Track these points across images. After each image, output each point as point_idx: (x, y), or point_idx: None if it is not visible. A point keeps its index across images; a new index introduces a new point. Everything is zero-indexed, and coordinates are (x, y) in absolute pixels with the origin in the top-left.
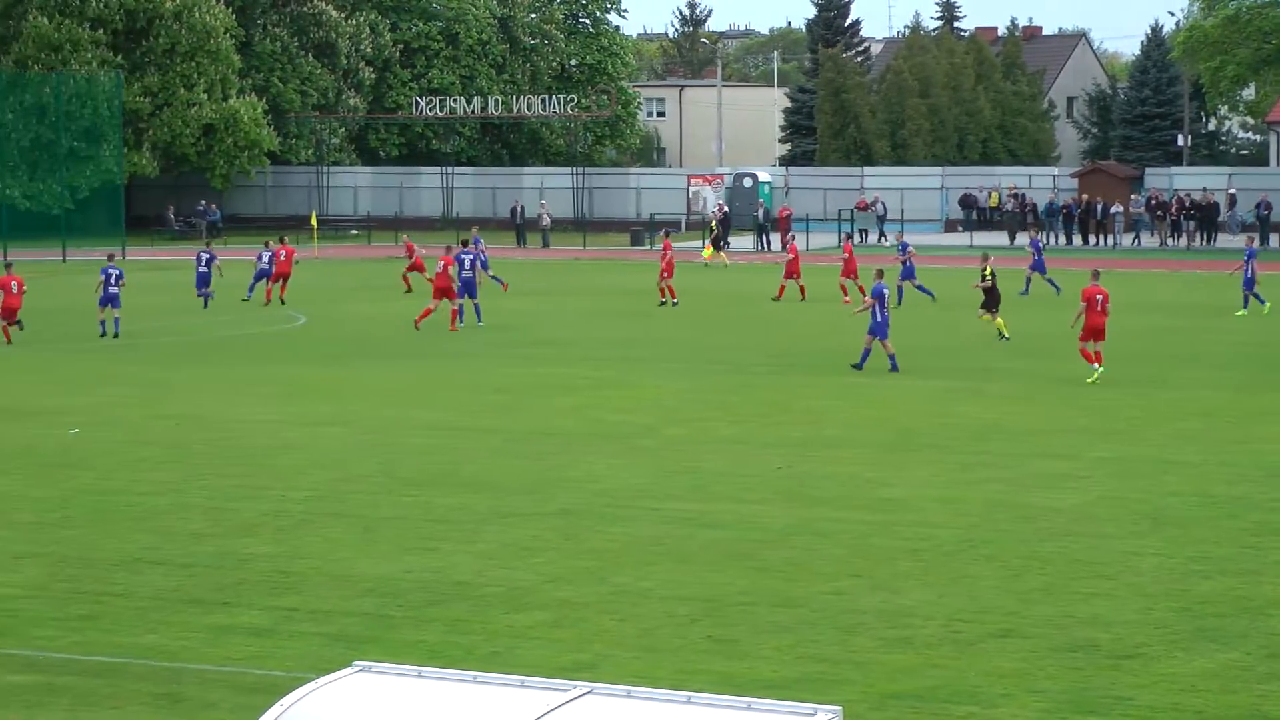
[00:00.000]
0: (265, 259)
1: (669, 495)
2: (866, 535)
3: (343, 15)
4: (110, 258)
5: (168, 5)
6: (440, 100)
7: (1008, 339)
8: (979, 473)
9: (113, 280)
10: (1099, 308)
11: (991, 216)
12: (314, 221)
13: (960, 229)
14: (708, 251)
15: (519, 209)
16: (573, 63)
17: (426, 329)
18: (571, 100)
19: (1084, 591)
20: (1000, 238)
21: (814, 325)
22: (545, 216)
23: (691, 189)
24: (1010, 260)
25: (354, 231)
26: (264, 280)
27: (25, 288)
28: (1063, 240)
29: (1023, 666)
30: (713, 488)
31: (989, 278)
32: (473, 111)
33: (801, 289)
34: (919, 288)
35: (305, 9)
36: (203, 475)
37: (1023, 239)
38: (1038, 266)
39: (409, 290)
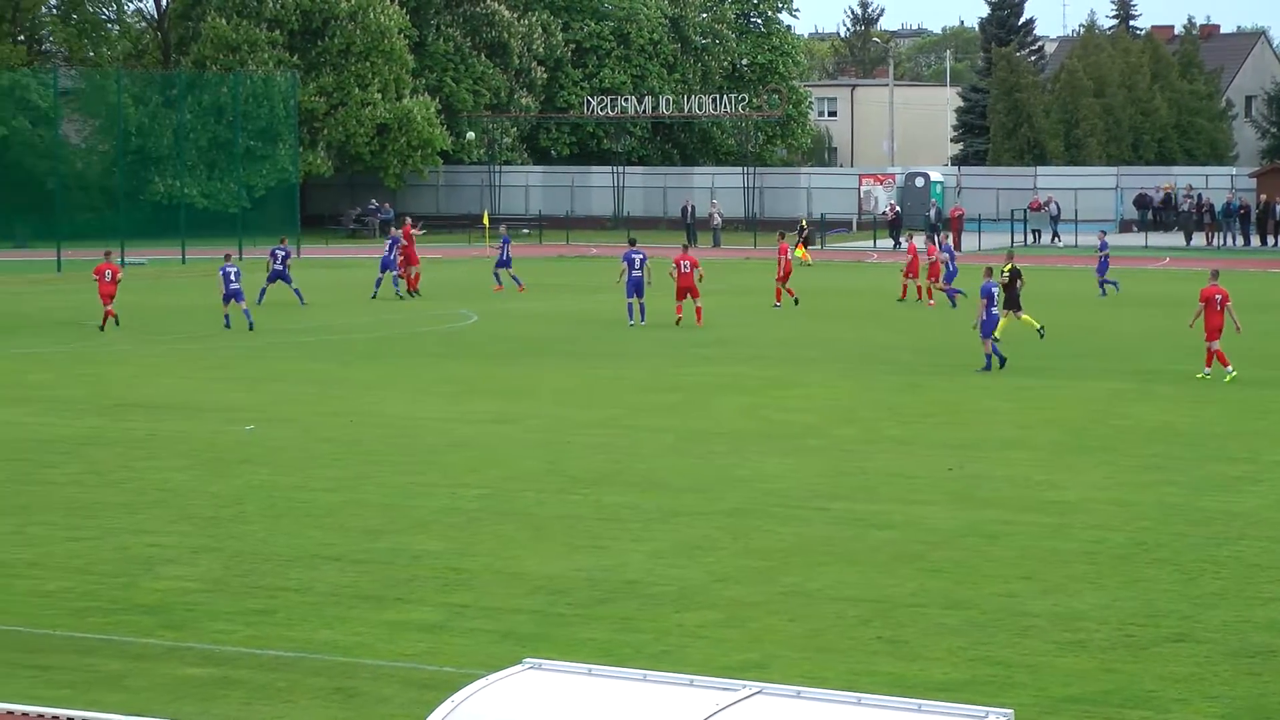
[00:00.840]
0: (390, 247)
1: (838, 496)
2: (1038, 538)
3: (515, 15)
4: (227, 257)
5: (343, 6)
6: (611, 100)
7: (1042, 333)
8: (1152, 475)
9: (233, 277)
10: (1218, 307)
11: (1167, 218)
12: (485, 221)
13: (1135, 229)
14: (800, 251)
15: (690, 208)
16: (744, 62)
17: (595, 328)
18: (743, 100)
19: (1261, 596)
20: (1176, 238)
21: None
22: (716, 216)
23: (863, 189)
24: (1188, 261)
25: (525, 230)
26: (389, 271)
27: (120, 276)
28: (1240, 241)
29: (1197, 672)
30: (882, 489)
31: (1006, 274)
32: (644, 111)
33: (918, 289)
34: (1104, 283)
35: (478, 9)
36: (376, 472)
37: (1199, 239)
38: (1101, 267)
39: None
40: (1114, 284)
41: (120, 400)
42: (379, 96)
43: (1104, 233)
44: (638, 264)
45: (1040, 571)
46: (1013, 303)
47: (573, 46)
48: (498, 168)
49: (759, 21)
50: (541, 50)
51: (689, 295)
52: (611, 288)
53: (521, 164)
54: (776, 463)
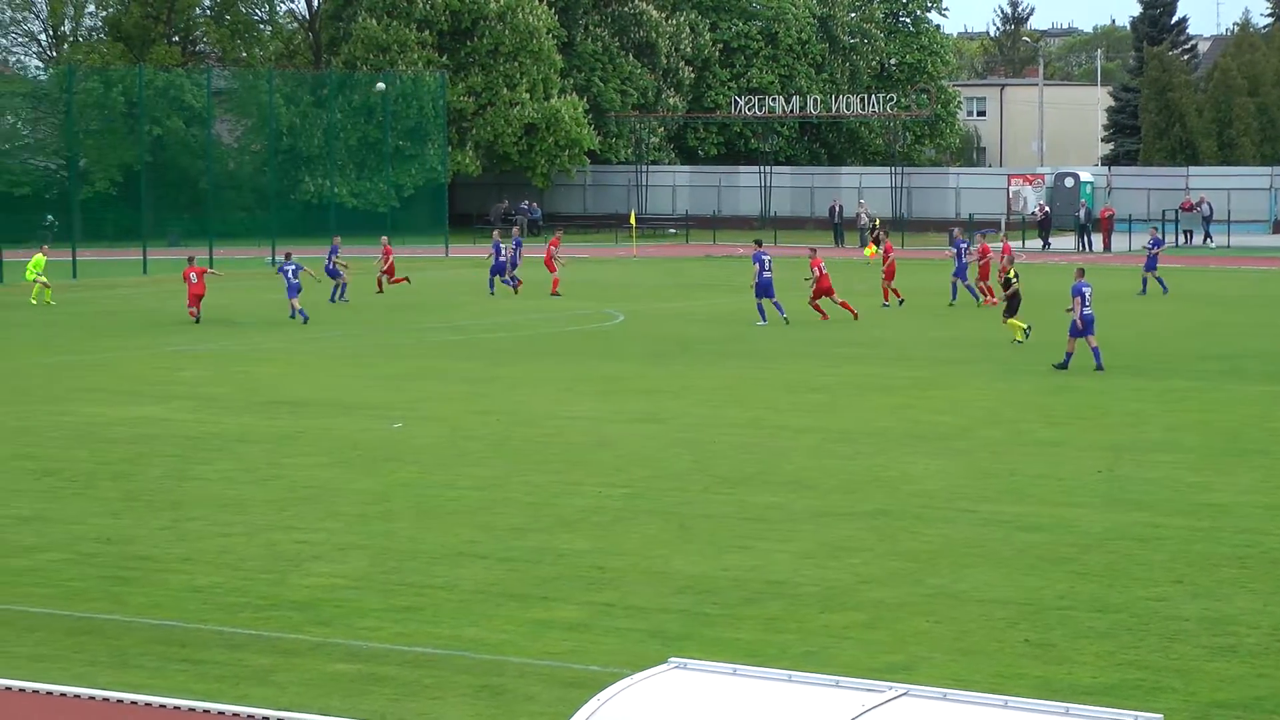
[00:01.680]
0: (503, 250)
1: (985, 497)
2: (1189, 541)
3: (663, 15)
4: (288, 256)
5: (492, 6)
6: (759, 99)
7: (1021, 343)
8: None
9: (291, 274)
10: None
11: None
12: (633, 220)
13: None
14: (870, 250)
15: (837, 208)
16: (892, 62)
17: (741, 327)
18: (891, 99)
19: None
20: None
21: (1124, 328)
22: (864, 216)
23: (1012, 189)
24: None
25: (672, 230)
26: (500, 275)
27: (212, 273)
28: None
29: None
30: (1030, 490)
31: (1013, 281)
32: (791, 111)
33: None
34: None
35: (626, 9)
36: (522, 470)
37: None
38: (1150, 265)
39: (380, 291)
40: (1160, 282)
41: (269, 398)
42: (527, 96)
43: (1156, 228)
44: (767, 265)
45: (1191, 575)
46: (1013, 308)
47: (720, 46)
48: (645, 167)
49: (908, 21)
50: (689, 50)
51: (829, 295)
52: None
53: (669, 164)
54: (923, 464)
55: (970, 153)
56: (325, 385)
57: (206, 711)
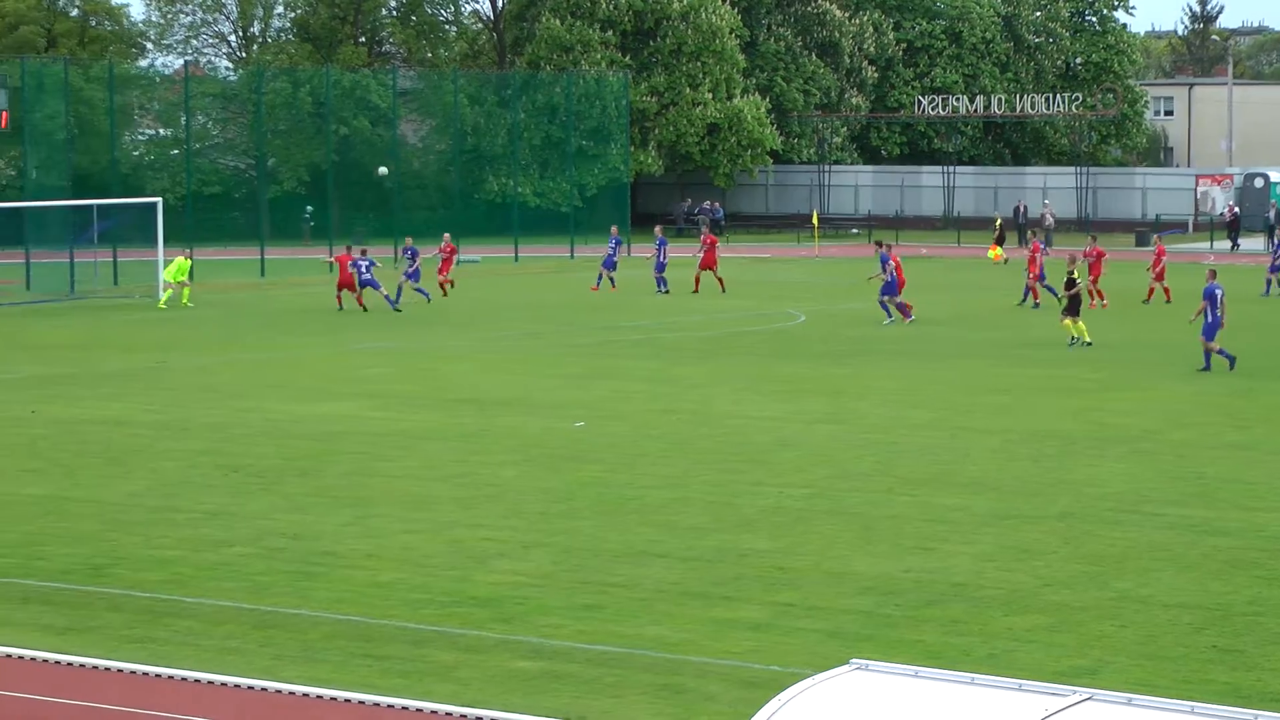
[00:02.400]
0: (663, 251)
1: (1172, 501)
2: None
3: (846, 15)
4: (363, 252)
5: (675, 6)
6: (943, 99)
7: (1089, 344)
8: None
9: (364, 270)
10: None
11: None
12: (815, 220)
13: None
14: (994, 251)
15: (1022, 208)
16: (1078, 60)
17: (924, 328)
18: (1076, 99)
19: None
20: None
21: None
22: (1049, 217)
23: (1199, 189)
24: None
25: (854, 230)
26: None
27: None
28: None
29: None
30: (1218, 494)
31: (1076, 281)
32: (975, 110)
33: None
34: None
35: (809, 9)
36: (704, 470)
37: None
38: (1277, 268)
39: (444, 295)
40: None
41: (455, 396)
42: (710, 96)
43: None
44: (889, 265)
45: None
46: (1074, 308)
47: (904, 46)
48: (827, 167)
49: (1094, 20)
50: (873, 49)
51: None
52: (940, 288)
53: (851, 164)
54: (1109, 467)
55: (1157, 153)
56: (510, 384)
57: (390, 707)
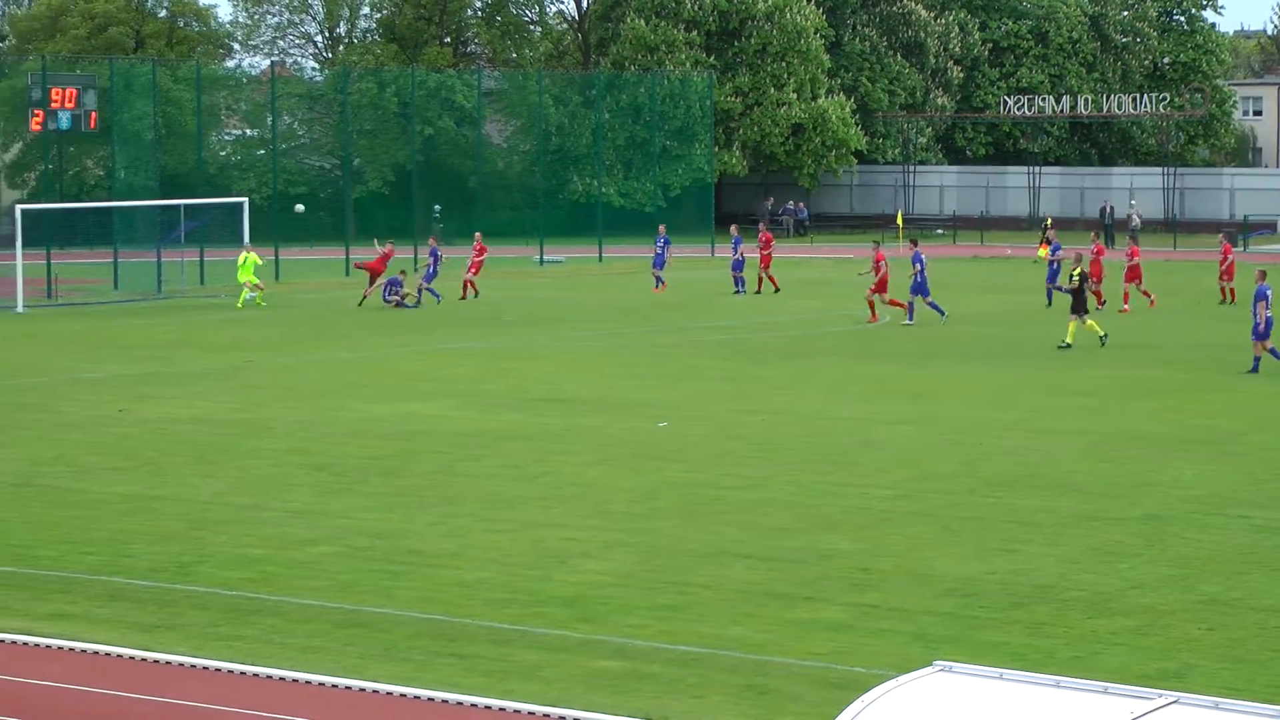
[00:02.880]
0: (740, 250)
1: (1259, 504)
2: None
3: (932, 15)
4: (432, 242)
5: (760, 6)
6: (1029, 99)
7: (1068, 346)
8: None
9: (433, 265)
10: None
11: None
12: (899, 221)
13: None
14: (1042, 251)
15: (1108, 209)
16: (1166, 60)
17: (1009, 328)
18: (1164, 99)
19: None
20: None
21: None
22: (1135, 217)
23: None
24: None
25: (939, 231)
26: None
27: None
28: None
29: None
30: None
31: (1075, 279)
32: (1061, 111)
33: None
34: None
35: (895, 9)
36: (787, 471)
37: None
38: None
39: (477, 295)
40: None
41: (538, 395)
42: (794, 96)
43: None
44: (923, 265)
45: None
46: (1079, 307)
47: (990, 46)
48: (912, 168)
49: (1182, 19)
50: (958, 49)
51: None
52: (1024, 289)
53: (936, 164)
54: (1195, 469)
55: (1245, 153)
56: (593, 384)
57: (474, 706)
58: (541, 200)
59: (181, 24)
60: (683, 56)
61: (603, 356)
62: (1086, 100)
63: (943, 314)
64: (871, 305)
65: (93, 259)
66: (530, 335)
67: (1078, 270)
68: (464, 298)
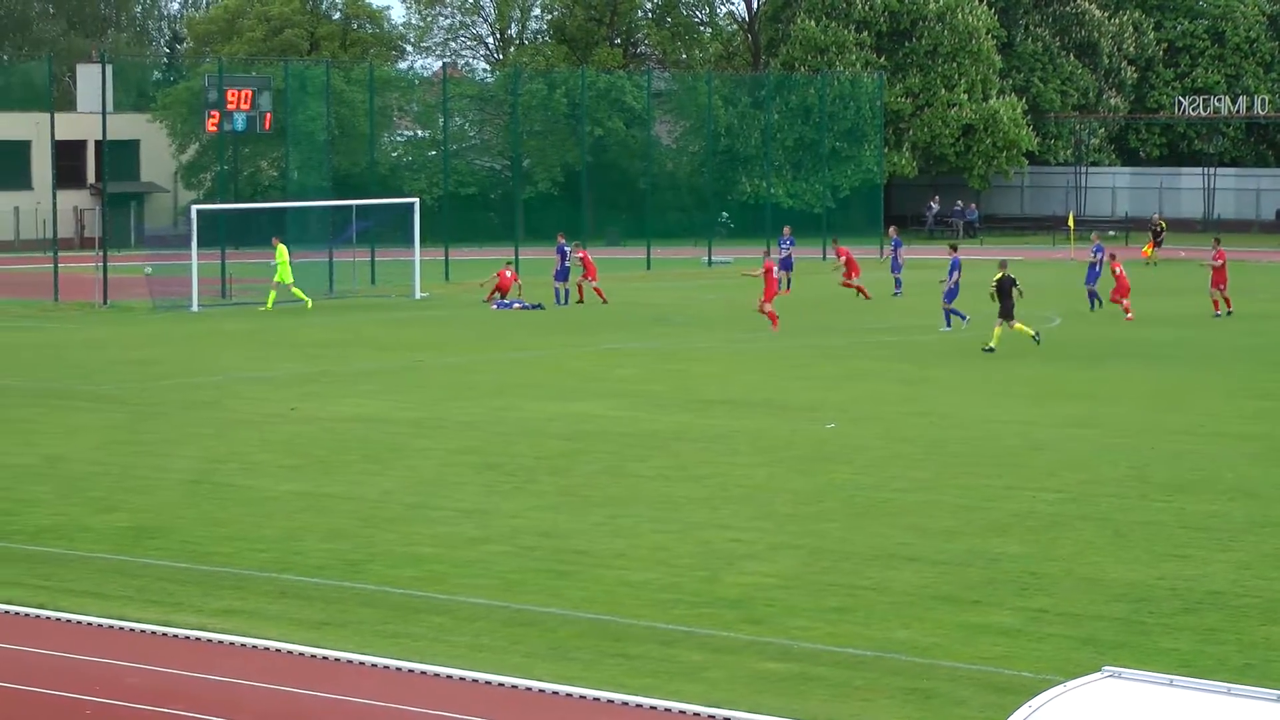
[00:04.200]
0: (898, 253)
1: None
2: None
3: (1106, 15)
4: (562, 237)
5: (931, 7)
6: (1204, 99)
7: (992, 349)
8: None
9: (565, 258)
10: None
11: None
12: (1071, 223)
13: None
14: (1148, 250)
15: None
16: None
17: (1180, 330)
18: None
19: None
20: None
21: None
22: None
23: None
24: None
25: (1111, 233)
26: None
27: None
28: None
29: None
30: None
31: (994, 284)
32: (1238, 111)
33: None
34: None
35: (1068, 9)
36: (956, 474)
37: None
38: None
39: (580, 300)
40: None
41: (704, 396)
42: (965, 97)
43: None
44: (959, 271)
45: None
46: (1006, 312)
47: (1165, 46)
48: (1084, 169)
49: None
50: (1132, 49)
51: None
52: (1198, 291)
53: (1109, 165)
54: None
55: None
56: (759, 385)
57: (639, 706)
58: (710, 201)
59: (355, 26)
60: (853, 57)
61: (769, 357)
62: (1264, 101)
63: (964, 319)
64: (768, 315)
65: (266, 259)
66: (697, 336)
67: (999, 276)
68: (581, 300)
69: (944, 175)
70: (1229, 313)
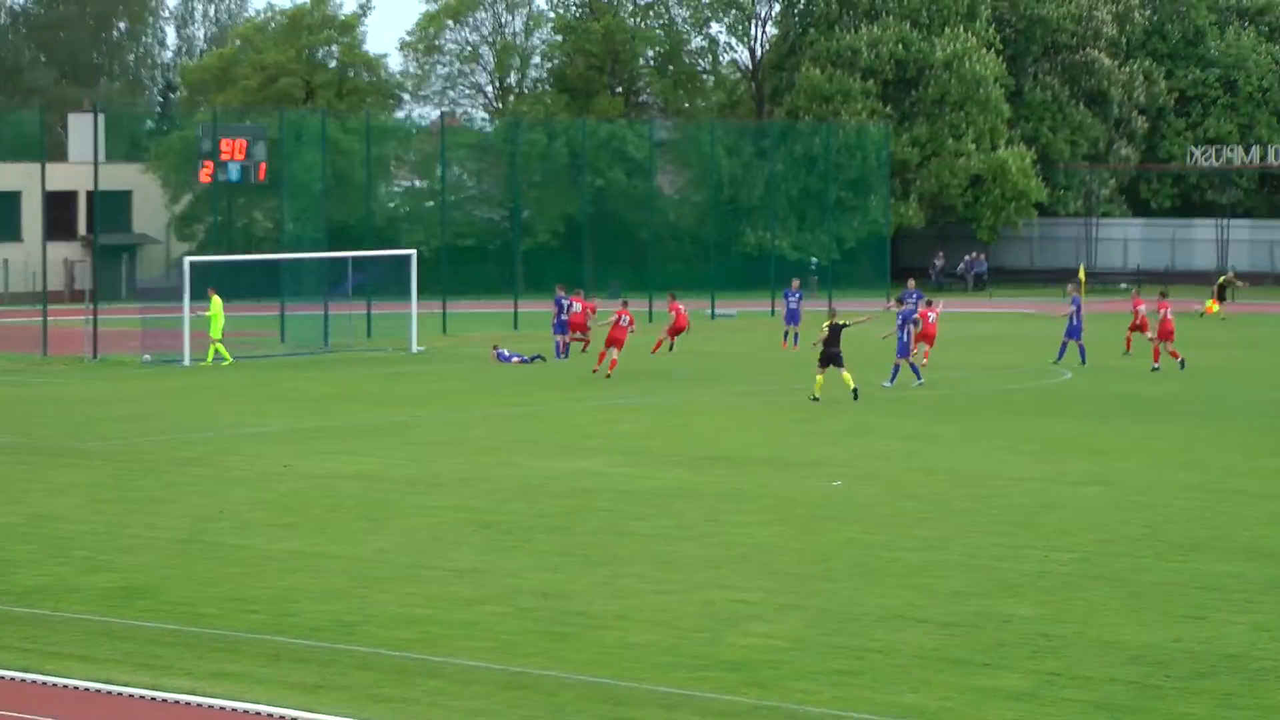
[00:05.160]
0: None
1: None
2: None
3: (1116, 63)
4: (561, 289)
5: (938, 55)
6: (1216, 150)
7: (816, 399)
8: None
9: (564, 310)
10: None
11: None
12: (1081, 275)
13: None
14: (1211, 304)
15: None
16: None
17: (1197, 384)
18: None
19: None
20: None
21: None
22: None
23: None
24: None
25: (1123, 285)
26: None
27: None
28: None
29: None
30: None
31: (826, 329)
32: (1251, 161)
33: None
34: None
35: (1078, 57)
36: (964, 532)
37: None
38: None
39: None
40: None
41: (706, 452)
42: (973, 146)
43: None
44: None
45: None
46: (830, 359)
47: (1176, 95)
48: (1095, 220)
49: None
50: (1143, 99)
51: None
52: (1211, 344)
53: (1120, 216)
54: None
55: None
56: (763, 440)
57: None
58: (713, 252)
59: (352, 74)
60: (859, 106)
61: (773, 413)
62: (1277, 151)
63: (916, 379)
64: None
65: (260, 311)
66: (700, 390)
67: (828, 323)
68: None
69: (951, 226)
70: (1178, 365)
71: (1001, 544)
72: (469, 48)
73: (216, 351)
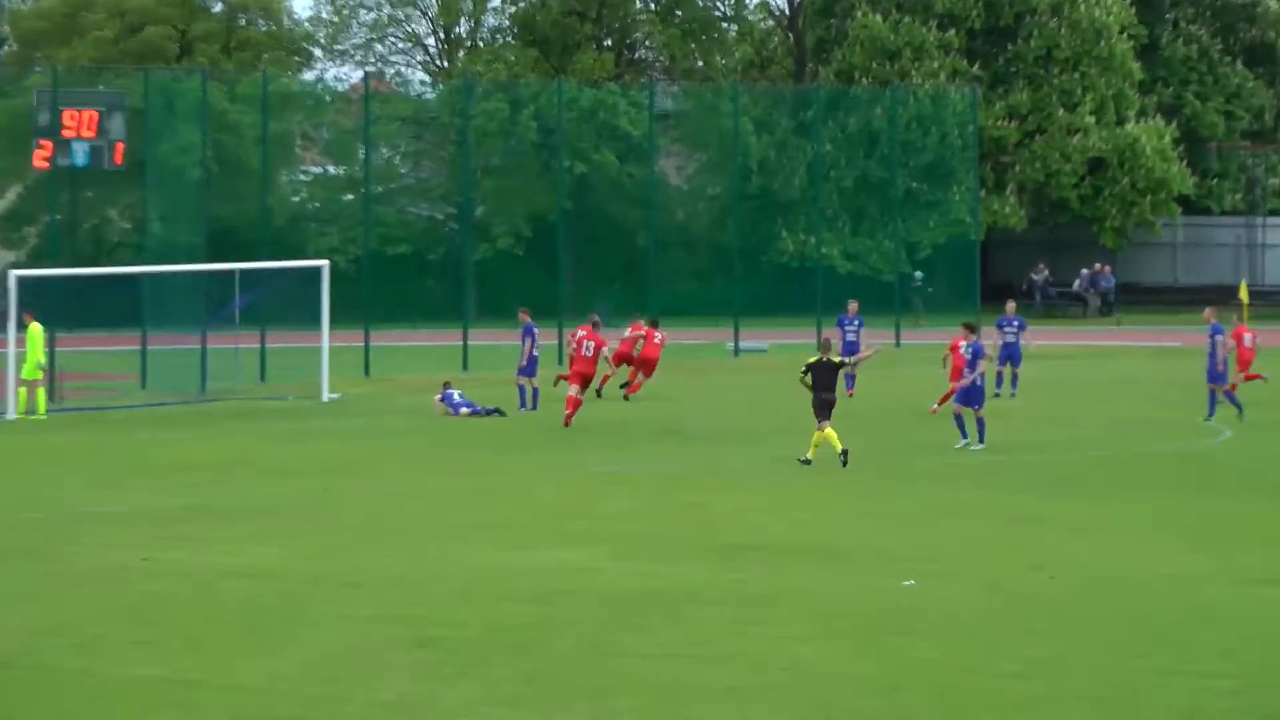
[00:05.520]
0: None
1: None
2: None
3: None
4: (526, 315)
5: None
6: None
7: (809, 461)
8: None
9: (534, 345)
10: None
11: None
12: (1243, 294)
13: None
14: None
15: None
16: None
17: None
18: None
19: None
20: None
21: None
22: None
23: None
24: None
25: None
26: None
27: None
28: None
29: None
30: None
31: (806, 373)
32: None
33: None
34: None
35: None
36: (1089, 652)
37: None
38: None
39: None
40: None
41: (729, 540)
42: (1092, 120)
43: None
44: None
45: None
46: (821, 408)
47: None
48: (1262, 220)
49: None
50: None
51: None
52: None
53: None
54: None
55: None
56: (808, 523)
57: None
58: (737, 264)
59: (244, 23)
60: (935, 65)
61: (821, 485)
62: None
63: (979, 442)
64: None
65: (115, 345)
66: (721, 455)
67: (820, 359)
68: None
69: (1064, 227)
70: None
71: (1140, 667)
72: None
73: (29, 397)
